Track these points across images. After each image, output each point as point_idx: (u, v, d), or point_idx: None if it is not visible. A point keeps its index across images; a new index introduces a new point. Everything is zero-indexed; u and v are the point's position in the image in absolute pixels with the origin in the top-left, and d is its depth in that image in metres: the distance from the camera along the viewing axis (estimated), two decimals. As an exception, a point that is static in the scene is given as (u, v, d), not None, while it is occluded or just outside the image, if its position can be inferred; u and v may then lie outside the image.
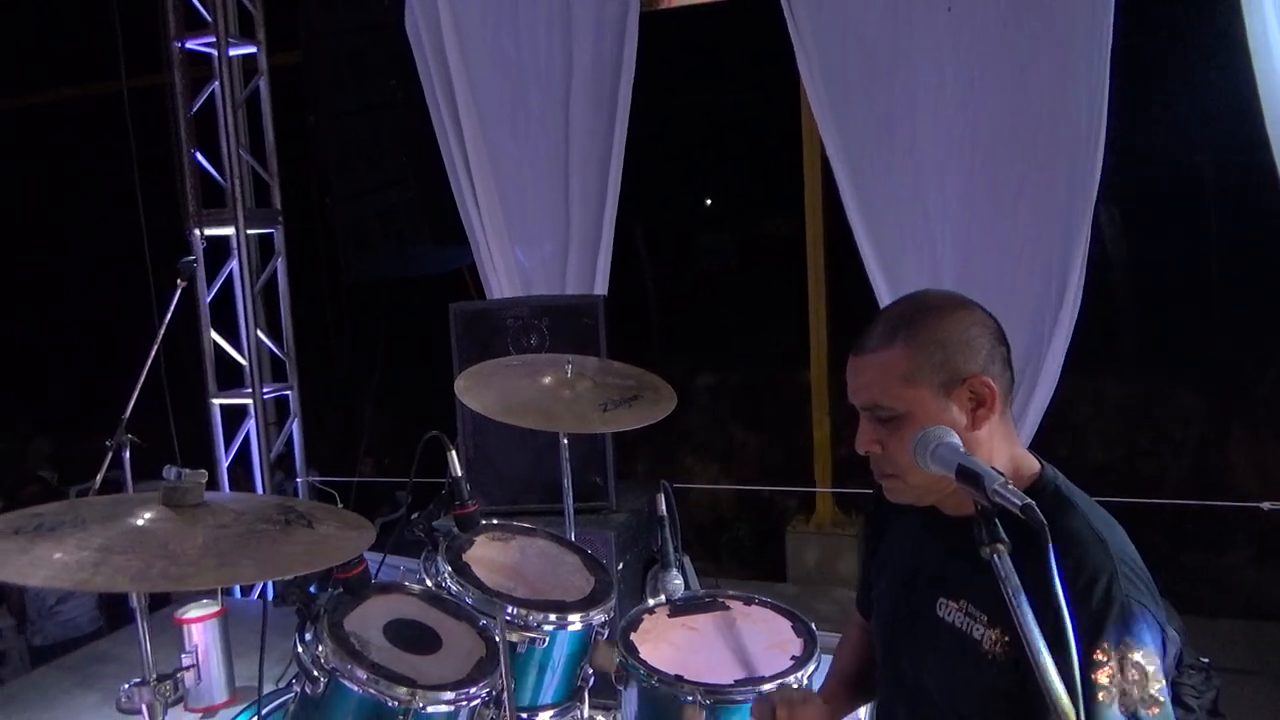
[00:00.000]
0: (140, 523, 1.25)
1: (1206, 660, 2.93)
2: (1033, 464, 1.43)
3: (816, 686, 1.90)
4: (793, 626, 2.20)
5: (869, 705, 2.38)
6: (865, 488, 1.66)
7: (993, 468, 1.14)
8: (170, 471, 1.30)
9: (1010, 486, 1.08)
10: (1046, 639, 1.02)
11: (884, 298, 3.93)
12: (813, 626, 2.18)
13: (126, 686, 1.36)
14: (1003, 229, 3.76)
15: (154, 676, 1.34)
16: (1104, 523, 1.34)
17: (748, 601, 2.32)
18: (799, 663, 2.05)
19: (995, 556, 1.06)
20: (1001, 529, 1.08)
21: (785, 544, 6.25)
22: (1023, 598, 1.02)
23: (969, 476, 1.13)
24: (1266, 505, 3.66)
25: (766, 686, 1.97)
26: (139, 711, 1.37)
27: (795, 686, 1.91)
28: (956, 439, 1.23)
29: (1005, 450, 1.39)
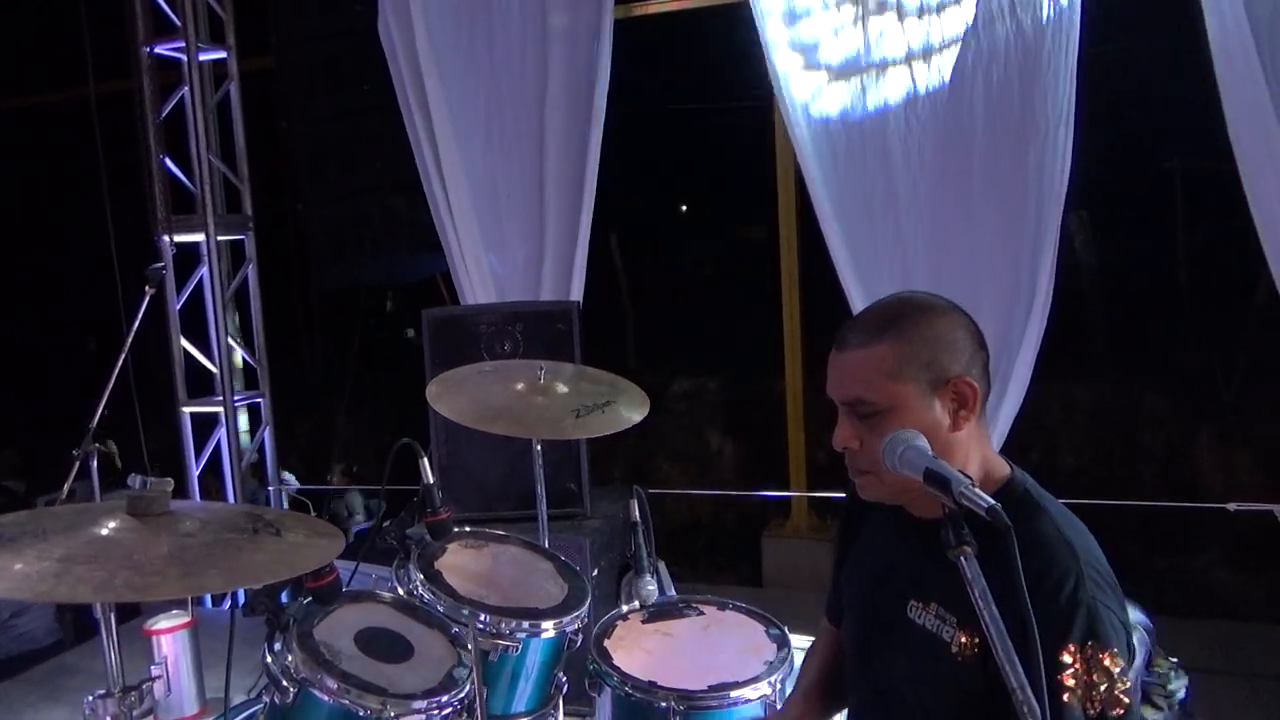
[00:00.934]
0: (104, 532, 1.24)
1: (1176, 660, 2.97)
2: (1003, 467, 1.44)
3: (789, 690, 1.90)
4: (766, 631, 2.21)
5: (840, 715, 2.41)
6: (841, 492, 1.67)
7: (961, 471, 1.15)
8: (135, 480, 1.28)
9: (976, 489, 1.09)
10: (1013, 640, 1.02)
11: (856, 302, 3.95)
12: (785, 630, 2.19)
13: (91, 699, 1.34)
14: (972, 232, 3.80)
15: (119, 688, 1.31)
16: (1071, 526, 1.35)
17: (721, 606, 2.32)
18: (772, 667, 2.05)
19: (962, 558, 1.06)
20: (969, 531, 1.08)
21: (762, 549, 6.27)
22: (989, 599, 1.03)
23: (936, 480, 1.14)
24: (1233, 506, 3.71)
25: (739, 691, 1.98)
26: (89, 704, 1.34)
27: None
28: (925, 442, 1.24)
29: (978, 453, 1.41)
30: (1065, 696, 1.20)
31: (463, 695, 1.69)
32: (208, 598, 4.86)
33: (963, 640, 1.34)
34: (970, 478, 1.12)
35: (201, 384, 5.04)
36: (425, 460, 2.03)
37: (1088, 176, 3.80)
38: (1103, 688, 1.23)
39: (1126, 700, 1.23)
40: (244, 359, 5.10)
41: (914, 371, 1.36)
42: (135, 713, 3.36)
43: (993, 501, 1.06)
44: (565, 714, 2.18)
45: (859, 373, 1.38)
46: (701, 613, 2.30)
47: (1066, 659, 1.23)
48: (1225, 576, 5.69)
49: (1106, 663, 1.23)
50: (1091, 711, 1.22)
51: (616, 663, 2.04)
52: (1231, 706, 3.59)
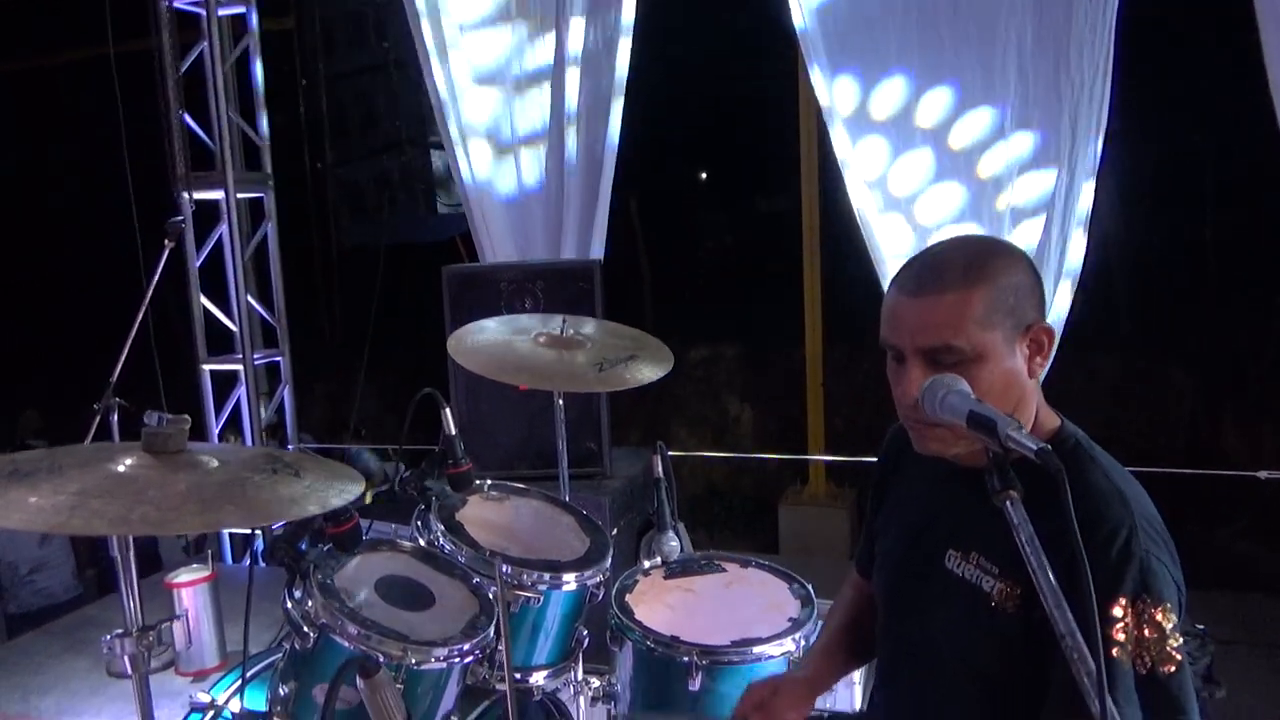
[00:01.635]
0: (120, 469, 1.21)
1: (1202, 627, 2.92)
2: (1054, 418, 1.40)
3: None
4: (790, 588, 2.18)
5: (862, 669, 2.38)
6: (858, 457, 1.62)
7: (1009, 415, 1.10)
8: (152, 417, 1.25)
9: (1025, 432, 1.04)
10: (1060, 589, 0.98)
11: (881, 269, 3.90)
12: (810, 589, 2.15)
13: (108, 638, 1.32)
14: (1001, 203, 3.73)
15: (136, 628, 1.30)
16: (1124, 479, 1.31)
17: (744, 564, 2.30)
18: (796, 624, 2.02)
19: (1007, 504, 1.02)
20: (1014, 475, 1.04)
21: (779, 516, 6.26)
22: (1037, 544, 0.98)
23: (981, 423, 1.09)
24: (1263, 474, 3.66)
25: (762, 648, 1.95)
26: (122, 665, 1.33)
27: (756, 683, 1.85)
28: (966, 386, 1.20)
29: (1034, 403, 1.37)
30: (1114, 651, 1.16)
31: (484, 644, 1.67)
32: (227, 553, 4.89)
33: (1003, 591, 1.30)
34: (1018, 421, 1.07)
35: (221, 342, 5.04)
36: (447, 411, 2.00)
37: (1121, 146, 3.73)
38: (1154, 643, 1.19)
39: (1178, 657, 1.19)
40: (263, 317, 5.09)
41: (1000, 318, 1.30)
42: (153, 655, 3.39)
43: (1043, 443, 1.01)
44: (585, 671, 2.16)
45: (947, 319, 1.30)
46: (724, 570, 2.27)
47: (1117, 612, 1.18)
48: (1246, 547, 5.63)
49: (1158, 617, 1.19)
50: (1141, 668, 1.18)
51: (638, 617, 2.02)
52: (1257, 680, 3.54)
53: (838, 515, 5.90)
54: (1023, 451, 1.03)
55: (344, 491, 1.26)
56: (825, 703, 1.76)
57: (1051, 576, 0.96)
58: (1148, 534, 1.24)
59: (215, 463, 1.27)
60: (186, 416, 1.27)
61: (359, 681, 0.92)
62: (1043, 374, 1.35)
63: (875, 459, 1.68)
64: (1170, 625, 1.20)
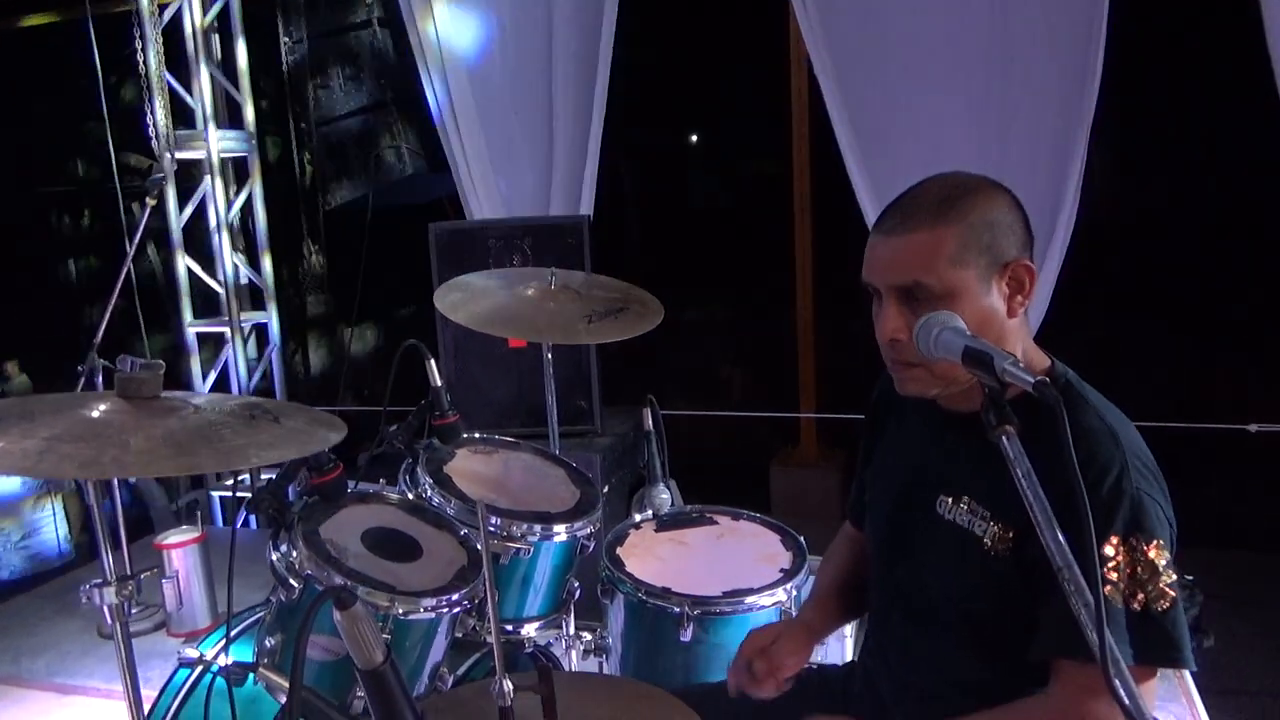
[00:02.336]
0: (93, 415, 1.18)
1: (1191, 577, 2.93)
2: (1044, 358, 1.38)
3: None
4: (781, 540, 2.17)
5: (853, 623, 2.37)
6: (851, 415, 1.61)
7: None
8: (125, 362, 1.22)
9: (1021, 365, 1.02)
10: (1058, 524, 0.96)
11: (872, 219, 3.87)
12: (802, 540, 2.14)
13: (86, 587, 1.30)
14: (994, 156, 3.70)
15: (115, 577, 1.27)
16: (1115, 417, 1.29)
17: (735, 516, 2.29)
18: (788, 575, 2.01)
19: (1004, 438, 1.00)
20: (1011, 411, 1.01)
21: (769, 477, 6.25)
22: (1034, 479, 0.96)
23: (976, 358, 1.07)
24: (1254, 427, 3.66)
25: (753, 598, 1.94)
26: (102, 615, 1.30)
27: (758, 629, 1.85)
28: (961, 323, 1.17)
29: (1021, 343, 1.34)
30: (1107, 590, 1.15)
31: (472, 595, 1.66)
32: (218, 516, 4.87)
33: (995, 533, 1.29)
34: (1015, 355, 1.05)
35: (208, 304, 4.98)
36: (432, 363, 1.97)
37: (1114, 103, 3.68)
38: (1147, 581, 1.17)
39: (1172, 594, 1.18)
40: (250, 279, 5.03)
41: (974, 255, 1.28)
42: (143, 615, 3.36)
43: (1040, 376, 0.99)
44: (575, 626, 2.15)
45: (919, 257, 1.28)
46: (715, 522, 2.26)
47: (1109, 551, 1.17)
48: (1236, 504, 5.65)
49: (1151, 555, 1.18)
50: (1135, 606, 1.17)
51: (630, 569, 2.01)
52: (1239, 637, 3.57)
53: (829, 476, 5.90)
54: (1020, 385, 1.00)
55: (325, 438, 1.23)
56: (816, 656, 1.76)
57: (1049, 509, 0.94)
58: (1139, 472, 1.23)
59: (192, 409, 1.24)
60: (161, 362, 1.23)
61: (335, 614, 0.89)
62: (1022, 311, 1.33)
63: (861, 418, 1.66)
64: (1163, 562, 1.18)
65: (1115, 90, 3.65)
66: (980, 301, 1.28)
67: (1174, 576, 1.19)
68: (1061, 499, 0.95)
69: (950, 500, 1.36)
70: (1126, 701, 0.80)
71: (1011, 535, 1.27)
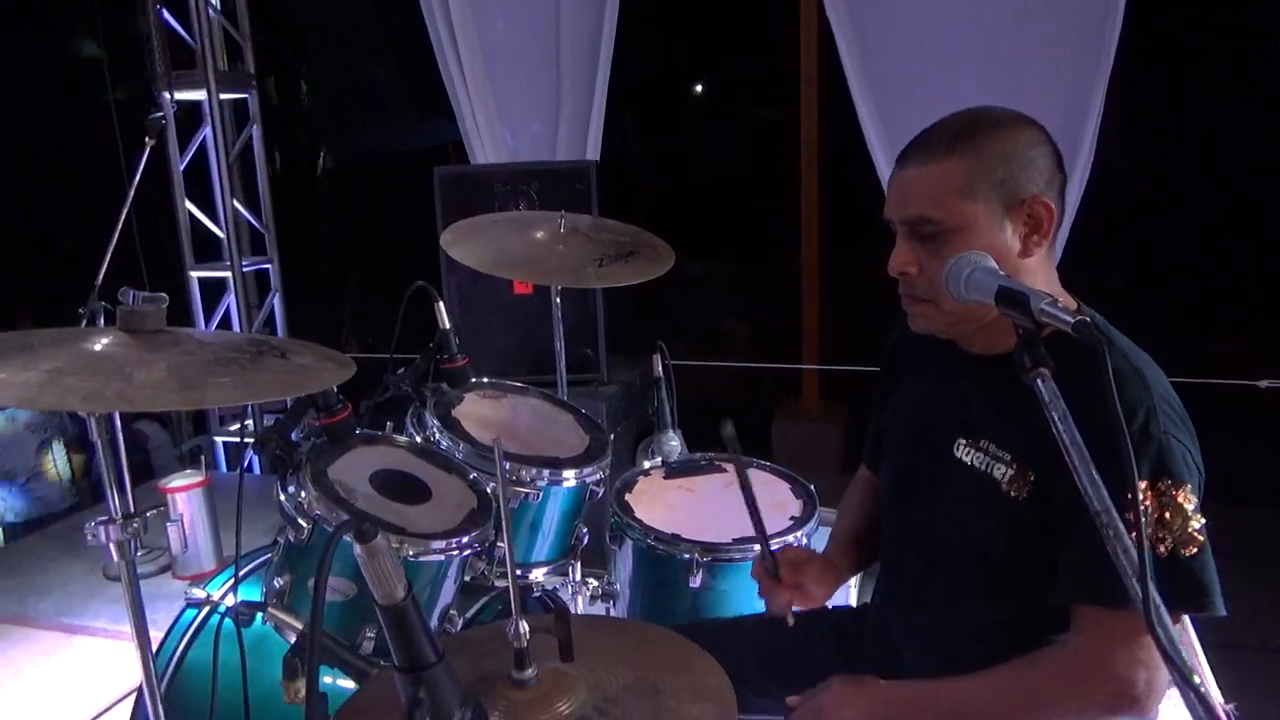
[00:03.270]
0: (96, 348, 1.14)
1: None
2: (1070, 301, 1.34)
3: (819, 549, 1.84)
4: (791, 488, 2.15)
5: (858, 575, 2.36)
6: (855, 367, 1.58)
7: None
8: (127, 295, 1.18)
9: (1059, 305, 0.98)
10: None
11: (884, 172, 3.81)
12: (812, 488, 2.13)
13: (91, 524, 1.27)
14: (1010, 105, 3.62)
15: (121, 515, 1.25)
16: (1142, 360, 1.26)
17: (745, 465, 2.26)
18: (798, 523, 2.00)
19: (1039, 380, 0.96)
20: (1046, 353, 0.98)
21: (772, 430, 6.25)
22: (1070, 420, 0.93)
23: (1011, 299, 1.03)
24: (1264, 383, 3.64)
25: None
26: (108, 554, 1.28)
27: (797, 546, 1.86)
28: (993, 263, 1.13)
29: (1046, 284, 1.31)
30: (1133, 535, 1.13)
31: (482, 537, 1.64)
32: (222, 461, 4.87)
33: (1014, 477, 1.27)
34: (1051, 295, 1.01)
35: (209, 249, 4.93)
36: (440, 305, 1.93)
37: (1131, 64, 3.60)
38: (1175, 525, 1.15)
39: (1200, 539, 1.16)
40: (250, 224, 4.96)
41: (986, 189, 1.24)
42: (148, 558, 3.36)
43: (1079, 315, 0.95)
44: (583, 574, 2.14)
45: (925, 189, 1.26)
46: (724, 470, 2.24)
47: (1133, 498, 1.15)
48: (1243, 459, 5.64)
49: (1179, 499, 1.15)
50: (1162, 550, 1.15)
51: (639, 515, 1.99)
52: (1240, 594, 3.57)
53: (831, 429, 5.90)
54: (1058, 325, 0.97)
55: (334, 374, 1.19)
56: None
57: (1085, 451, 0.91)
58: (1167, 415, 1.20)
59: (197, 344, 1.21)
60: (164, 295, 1.19)
61: (356, 548, 0.87)
62: (1041, 251, 1.28)
63: (870, 369, 1.64)
64: (1191, 507, 1.16)
65: (1136, 40, 3.56)
66: (991, 238, 1.24)
67: (1202, 521, 1.16)
68: (1092, 442, 0.93)
69: (968, 443, 1.34)
70: (1169, 649, 0.77)
71: (1032, 478, 1.25)
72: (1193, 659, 0.77)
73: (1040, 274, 1.30)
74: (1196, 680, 0.75)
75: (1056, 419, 0.93)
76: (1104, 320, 1.32)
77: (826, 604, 1.64)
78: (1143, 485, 1.15)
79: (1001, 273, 1.10)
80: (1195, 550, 1.16)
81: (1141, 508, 1.15)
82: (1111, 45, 3.41)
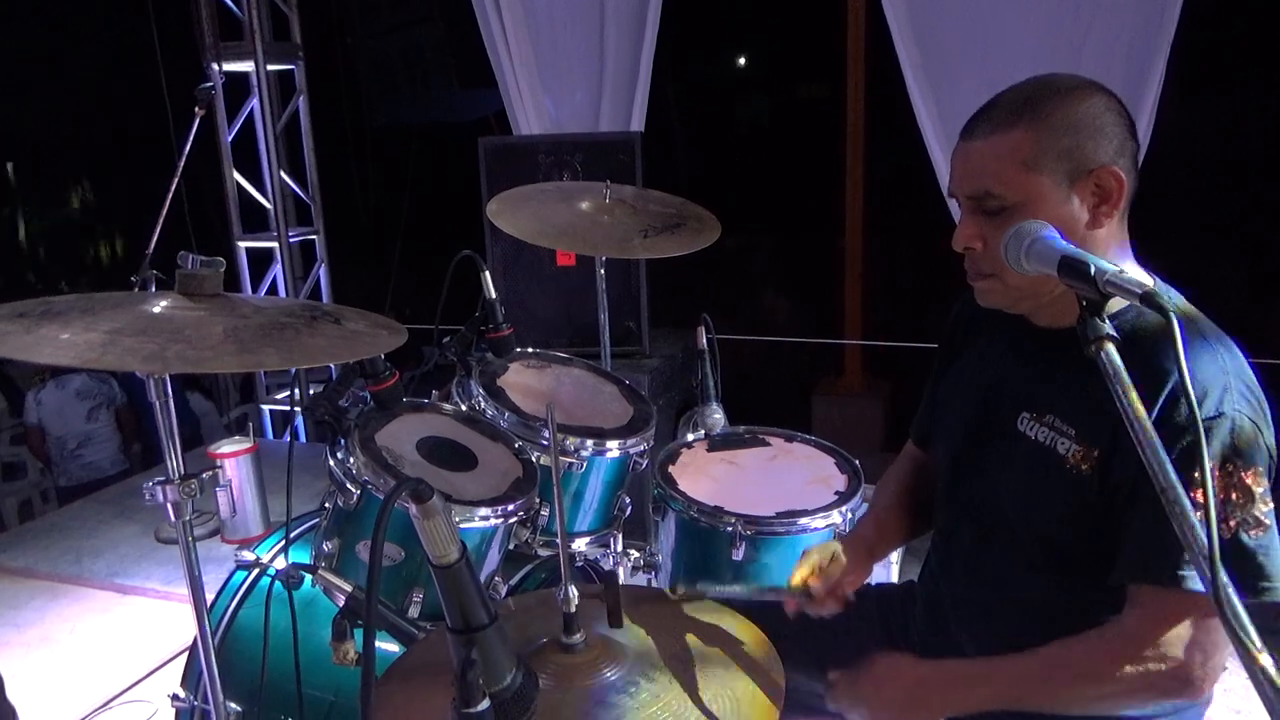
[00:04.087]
0: (155, 310, 1.16)
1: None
2: (1142, 274, 1.30)
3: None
4: (836, 463, 2.13)
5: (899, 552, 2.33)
6: (897, 344, 1.55)
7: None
8: (186, 259, 1.20)
9: (1125, 274, 0.95)
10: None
11: (934, 147, 3.75)
12: (857, 464, 2.11)
13: (149, 484, 1.30)
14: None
15: (178, 475, 1.27)
16: (1220, 339, 1.22)
17: (789, 438, 2.25)
18: (843, 498, 1.98)
19: (1102, 353, 0.94)
20: (1110, 325, 0.95)
21: (813, 406, 6.21)
22: (1134, 394, 0.91)
23: (1075, 269, 0.99)
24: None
25: (807, 520, 1.92)
26: (165, 513, 1.31)
27: (817, 546, 1.81)
28: (1053, 231, 1.10)
29: (1118, 256, 1.27)
30: (1197, 514, 1.10)
31: (528, 505, 1.65)
32: (269, 428, 4.95)
33: (1078, 453, 1.24)
34: (1117, 266, 0.98)
35: (256, 220, 4.99)
36: (486, 275, 1.94)
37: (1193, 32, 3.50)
38: (1240, 506, 1.12)
39: (1267, 522, 1.13)
40: (296, 194, 5.01)
41: (1051, 161, 1.20)
42: (199, 520, 3.44)
43: (1148, 285, 0.92)
44: (624, 544, 2.15)
45: (988, 163, 1.23)
46: (768, 444, 2.23)
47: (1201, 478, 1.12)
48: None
49: (1248, 481, 1.12)
50: (1225, 532, 1.12)
51: (682, 488, 1.99)
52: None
53: (873, 406, 5.85)
54: (1125, 297, 0.94)
55: (387, 340, 1.20)
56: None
57: (1150, 422, 0.89)
58: (1242, 395, 1.16)
59: (253, 309, 1.22)
60: (221, 259, 1.21)
61: (412, 507, 0.87)
62: (1112, 222, 1.25)
63: (914, 346, 1.61)
64: (1261, 490, 1.13)
65: (1198, 6, 3.46)
66: (1058, 210, 1.21)
67: (1270, 505, 1.13)
68: (1157, 418, 0.90)
69: (1032, 417, 1.31)
70: (1238, 629, 0.75)
71: (1096, 454, 1.22)
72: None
73: (1112, 245, 1.26)
74: (1266, 661, 0.73)
75: (1120, 392, 0.91)
76: (1183, 298, 1.29)
77: (870, 583, 1.62)
78: (1211, 465, 1.12)
79: (1062, 240, 1.07)
80: (1260, 533, 1.13)
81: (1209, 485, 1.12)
82: (1175, 10, 3.31)
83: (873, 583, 1.91)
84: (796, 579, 1.51)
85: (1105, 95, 1.25)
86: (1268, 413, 1.19)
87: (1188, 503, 0.84)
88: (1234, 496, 1.12)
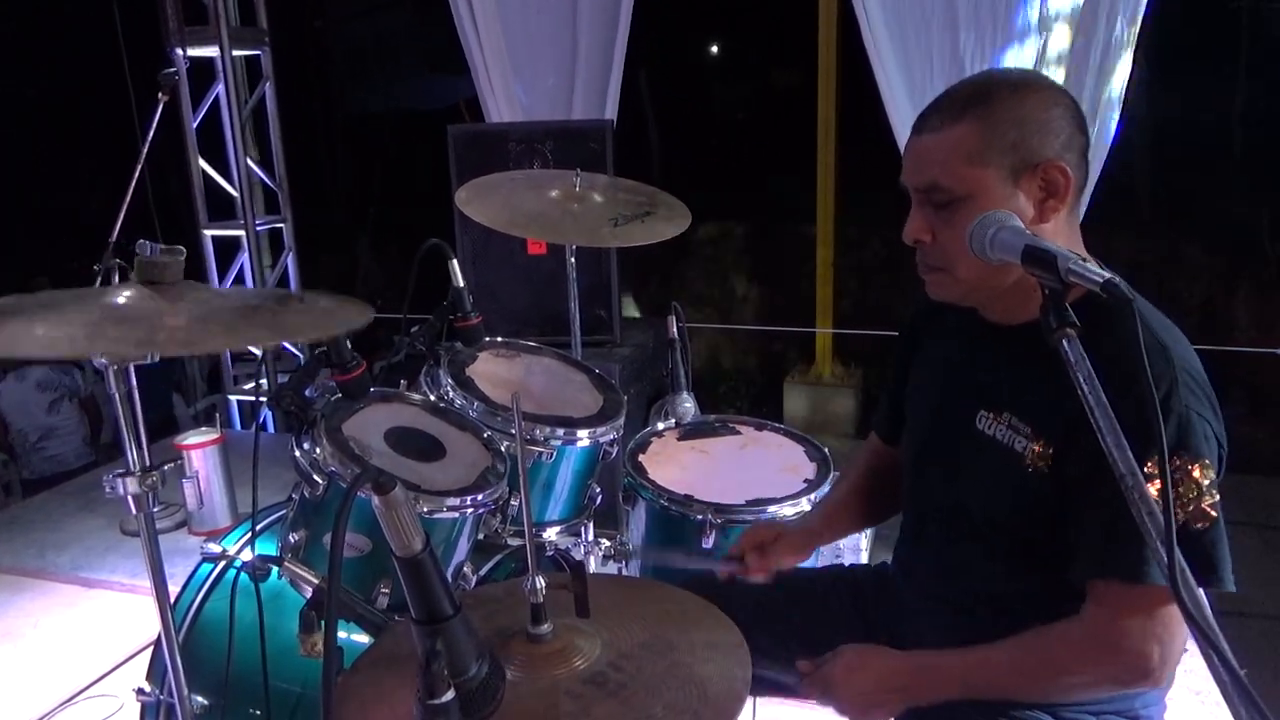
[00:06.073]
0: (120, 301, 1.13)
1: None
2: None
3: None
4: (806, 451, 2.15)
5: (869, 530, 2.36)
6: (868, 332, 1.56)
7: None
8: (144, 246, 1.17)
9: (1088, 265, 0.96)
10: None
11: (902, 137, 3.76)
12: (827, 452, 2.12)
13: (109, 476, 1.28)
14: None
15: (140, 467, 1.25)
16: (1167, 332, 1.24)
17: (759, 427, 2.26)
18: (812, 485, 2.00)
19: (1065, 341, 0.95)
20: (1073, 314, 0.96)
21: (784, 394, 6.24)
22: (1096, 383, 0.92)
23: (1038, 258, 1.00)
24: (1283, 351, 3.61)
25: (776, 507, 1.93)
26: (126, 506, 1.29)
27: (766, 523, 1.87)
28: (1019, 221, 1.11)
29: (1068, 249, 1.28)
30: (1158, 501, 1.12)
31: (497, 495, 1.64)
32: (235, 419, 4.90)
33: (1036, 450, 1.26)
34: (1080, 255, 0.99)
35: (222, 208, 4.92)
36: (454, 263, 1.92)
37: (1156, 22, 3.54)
38: (1189, 500, 1.14)
39: (1213, 514, 1.15)
40: (264, 182, 4.95)
41: (996, 155, 1.21)
42: (164, 514, 3.39)
43: (1108, 275, 0.93)
44: (595, 533, 2.15)
45: (935, 156, 1.24)
46: (738, 432, 2.24)
47: (1152, 469, 1.13)
48: (1254, 428, 5.62)
49: (1196, 474, 1.14)
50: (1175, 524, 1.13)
51: (652, 476, 1.99)
52: (1252, 562, 3.57)
53: (844, 395, 5.89)
54: (1087, 285, 0.95)
55: (358, 312, 1.19)
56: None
57: (1111, 413, 0.90)
58: (1189, 389, 1.18)
59: (218, 296, 1.20)
60: (181, 247, 1.18)
61: (374, 500, 0.86)
62: (1059, 217, 1.25)
63: (885, 334, 1.63)
64: (1207, 482, 1.15)
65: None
66: (1004, 204, 1.21)
67: (1216, 497, 1.15)
68: (1116, 407, 0.91)
69: (990, 416, 1.33)
70: (1193, 611, 0.76)
71: (1051, 452, 1.24)
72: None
73: (1060, 239, 1.27)
74: (1220, 643, 0.75)
75: (1082, 380, 0.92)
76: (1129, 287, 1.30)
77: (843, 562, 1.64)
78: (1159, 459, 1.14)
79: (1028, 231, 1.08)
80: (1206, 525, 1.15)
81: (1158, 482, 1.14)
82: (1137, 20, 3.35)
83: (846, 564, 1.94)
84: (736, 550, 1.58)
85: (1054, 89, 1.26)
86: (1215, 403, 1.20)
87: (1148, 489, 0.86)
88: (1181, 490, 1.14)
